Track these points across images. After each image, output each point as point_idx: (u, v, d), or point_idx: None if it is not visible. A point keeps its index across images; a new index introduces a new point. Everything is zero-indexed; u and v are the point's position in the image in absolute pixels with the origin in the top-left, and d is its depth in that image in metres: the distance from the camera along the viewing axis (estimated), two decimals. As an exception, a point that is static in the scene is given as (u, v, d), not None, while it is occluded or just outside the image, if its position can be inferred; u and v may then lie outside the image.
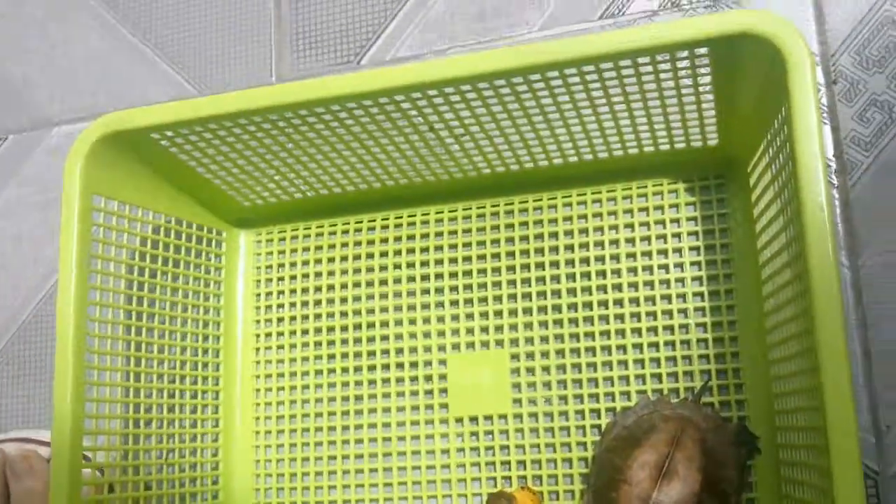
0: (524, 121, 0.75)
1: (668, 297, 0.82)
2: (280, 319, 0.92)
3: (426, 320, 0.88)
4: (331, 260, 0.92)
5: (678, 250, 0.83)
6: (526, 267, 0.86)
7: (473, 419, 0.85)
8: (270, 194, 0.90)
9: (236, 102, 0.72)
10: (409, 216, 0.91)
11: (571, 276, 0.85)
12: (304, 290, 0.92)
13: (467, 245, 0.88)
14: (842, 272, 0.79)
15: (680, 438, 0.73)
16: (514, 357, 0.85)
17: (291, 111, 0.72)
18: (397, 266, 0.90)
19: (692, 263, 0.82)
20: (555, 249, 0.86)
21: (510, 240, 0.87)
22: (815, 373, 0.58)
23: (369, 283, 0.90)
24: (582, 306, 0.84)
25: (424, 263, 0.89)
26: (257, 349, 0.92)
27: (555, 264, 0.86)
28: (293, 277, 0.93)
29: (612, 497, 0.73)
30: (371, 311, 0.89)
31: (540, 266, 0.86)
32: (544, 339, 0.84)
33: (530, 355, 0.84)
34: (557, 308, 0.85)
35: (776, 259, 0.72)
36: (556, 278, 0.85)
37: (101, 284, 0.78)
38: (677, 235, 0.83)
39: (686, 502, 0.71)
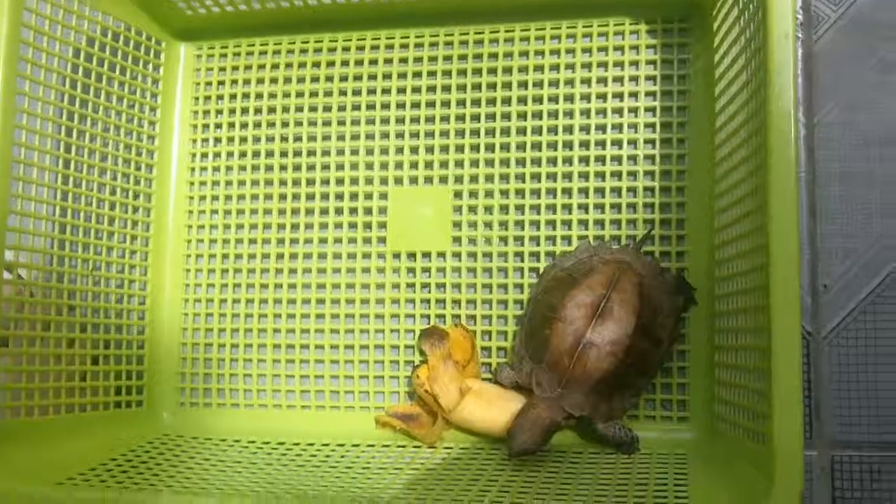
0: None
1: (618, 143, 0.80)
2: (217, 140, 0.89)
3: (369, 151, 0.85)
4: (273, 81, 0.89)
5: (634, 94, 0.81)
6: (476, 102, 0.84)
7: (411, 255, 0.83)
8: (215, 3, 0.85)
9: None
10: (359, 39, 0.87)
11: (522, 115, 0.83)
12: (244, 111, 0.89)
13: (417, 75, 0.85)
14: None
15: (618, 281, 0.73)
16: (457, 194, 0.83)
17: None
18: (343, 92, 0.87)
19: (647, 109, 0.80)
20: (507, 85, 0.83)
21: (462, 72, 0.84)
22: (763, 229, 0.58)
23: (312, 108, 0.87)
24: (531, 147, 0.82)
25: (371, 91, 0.86)
26: (192, 169, 0.89)
27: (506, 101, 0.83)
28: (233, 97, 0.89)
29: (546, 334, 0.73)
30: (312, 138, 0.87)
31: (491, 102, 0.83)
32: (489, 178, 0.83)
33: (473, 193, 0.83)
34: (505, 147, 0.82)
35: (730, 106, 0.71)
36: (506, 115, 0.83)
37: (31, 92, 0.73)
38: (634, 79, 0.81)
39: (619, 343, 0.71)
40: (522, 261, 0.81)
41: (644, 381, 0.74)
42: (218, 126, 0.89)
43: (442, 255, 0.83)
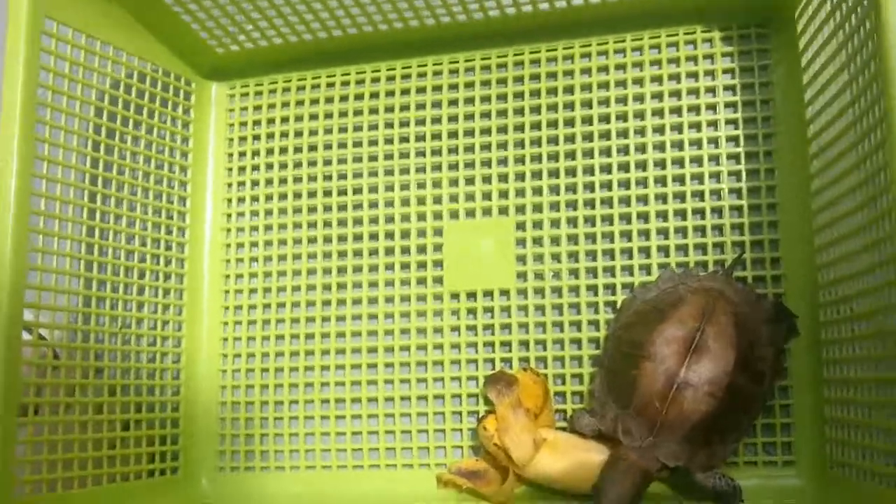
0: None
1: (698, 160, 0.73)
2: (254, 183, 0.83)
3: (420, 184, 0.78)
4: (312, 117, 0.82)
5: (712, 107, 0.73)
6: (536, 125, 0.77)
7: (471, 295, 0.76)
8: (247, 38, 0.80)
9: None
10: (404, 68, 0.81)
11: (588, 136, 0.75)
12: (282, 151, 0.82)
13: (469, 101, 0.79)
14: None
15: (711, 312, 0.64)
16: (520, 226, 0.75)
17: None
18: (388, 124, 0.80)
19: (728, 122, 0.73)
20: (569, 105, 0.76)
21: (518, 95, 0.78)
22: (891, 239, 0.50)
23: (356, 143, 0.80)
24: (599, 169, 0.75)
25: (420, 121, 0.79)
26: (228, 215, 0.83)
27: (569, 122, 0.76)
28: (270, 136, 0.83)
29: (632, 375, 0.64)
30: (357, 175, 0.80)
31: (552, 124, 0.76)
32: (554, 206, 0.75)
33: (538, 224, 0.75)
34: (571, 171, 0.75)
35: (827, 111, 0.63)
36: (570, 138, 0.75)
37: (51, 138, 0.67)
38: (711, 90, 0.74)
39: (718, 382, 0.62)
40: (596, 294, 0.73)
41: (746, 424, 0.65)
42: (255, 168, 0.83)
43: (505, 292, 0.75)
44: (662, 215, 0.72)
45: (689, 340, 0.63)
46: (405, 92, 0.80)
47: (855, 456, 0.60)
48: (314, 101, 0.82)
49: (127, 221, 0.75)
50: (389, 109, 0.80)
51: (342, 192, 0.80)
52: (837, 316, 0.63)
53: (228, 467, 0.79)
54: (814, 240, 0.67)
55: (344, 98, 0.81)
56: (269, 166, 0.82)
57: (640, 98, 0.75)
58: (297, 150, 0.82)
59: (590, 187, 0.74)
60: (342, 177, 0.80)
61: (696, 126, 0.73)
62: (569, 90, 0.76)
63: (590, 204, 0.74)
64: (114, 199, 0.74)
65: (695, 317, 0.64)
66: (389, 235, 0.78)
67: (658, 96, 0.74)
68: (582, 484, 0.66)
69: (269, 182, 0.82)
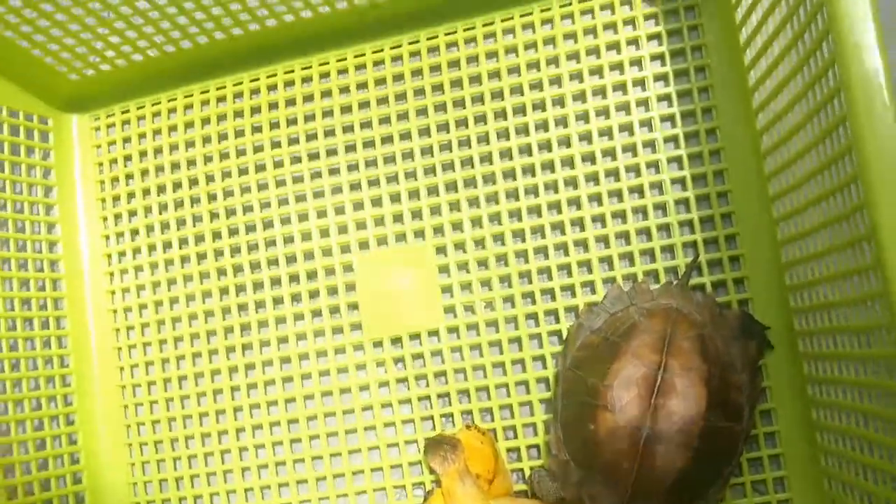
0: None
1: (631, 148, 0.65)
2: (134, 232, 0.74)
3: (321, 213, 0.70)
4: (190, 144, 0.73)
5: (639, 82, 0.66)
6: (444, 127, 0.68)
7: (396, 341, 0.68)
8: (102, 59, 0.71)
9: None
10: (286, 72, 0.72)
11: (504, 133, 0.67)
12: (161, 189, 0.74)
13: (364, 105, 0.70)
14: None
15: (671, 339, 0.56)
16: (440, 250, 0.67)
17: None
18: (276, 144, 0.71)
19: (660, 98, 0.65)
20: (479, 98, 0.68)
21: (419, 92, 0.69)
22: (865, 214, 0.44)
23: (243, 170, 0.72)
24: (521, 172, 0.66)
25: (311, 136, 0.71)
26: (111, 274, 0.74)
27: (481, 118, 0.67)
28: (144, 172, 0.74)
29: (589, 430, 0.57)
30: (249, 208, 0.71)
31: (462, 123, 0.68)
32: (476, 223, 0.67)
33: (460, 245, 0.67)
34: (490, 178, 0.67)
35: (775, 73, 0.55)
36: (483, 138, 0.67)
37: None
38: (637, 62, 0.66)
39: (691, 428, 0.55)
40: (537, 324, 0.65)
41: (729, 469, 0.57)
42: (132, 214, 0.74)
43: (434, 333, 0.67)
44: (599, 219, 0.65)
45: (651, 380, 0.55)
46: (290, 102, 0.71)
47: (860, 475, 0.53)
48: (189, 125, 0.74)
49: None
50: (274, 126, 0.71)
51: (233, 232, 0.72)
52: (817, 326, 0.55)
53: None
54: (777, 232, 0.60)
55: (222, 117, 0.73)
56: (148, 209, 0.74)
57: (557, 81, 0.66)
58: (177, 185, 0.73)
59: (513, 195, 0.66)
60: (231, 212, 0.72)
61: (624, 108, 0.65)
62: (475, 80, 0.68)
63: (515, 215, 0.66)
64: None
65: (654, 348, 0.57)
66: (293, 279, 0.70)
67: (576, 76, 0.66)
68: (549, 561, 0.59)
69: (150, 229, 0.74)
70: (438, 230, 0.67)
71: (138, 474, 0.72)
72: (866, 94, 0.42)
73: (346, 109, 0.70)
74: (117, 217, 0.74)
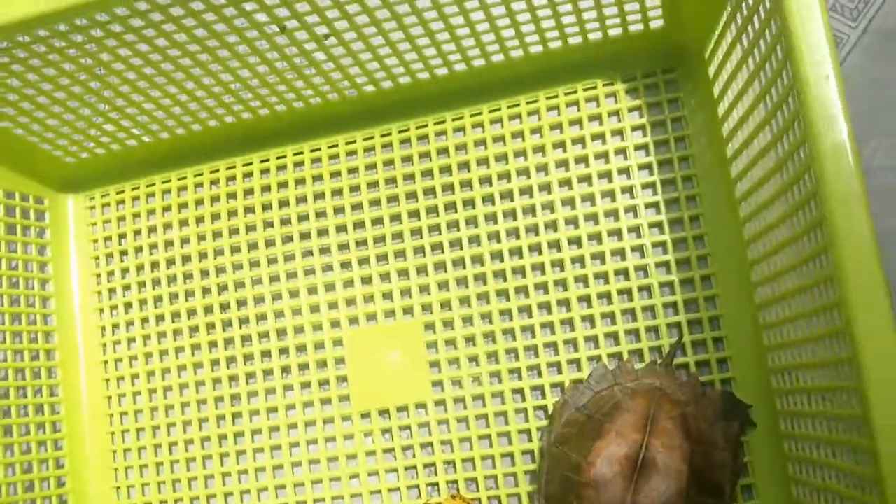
0: (406, 6, 0.59)
1: (617, 233, 0.67)
2: (128, 306, 0.76)
3: (311, 290, 0.72)
4: (183, 223, 0.75)
5: (624, 171, 0.68)
6: (433, 210, 0.71)
7: (384, 413, 0.69)
8: (97, 144, 0.73)
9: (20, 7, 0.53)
10: (278, 157, 0.74)
11: (491, 217, 0.69)
12: (155, 266, 0.75)
13: (355, 189, 0.72)
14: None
15: (654, 419, 0.59)
16: (429, 327, 0.69)
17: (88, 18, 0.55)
18: (268, 224, 0.73)
19: (644, 186, 0.68)
20: (467, 184, 0.70)
21: (409, 177, 0.72)
22: (839, 310, 0.45)
23: (235, 249, 0.74)
24: (509, 254, 0.69)
25: (303, 217, 0.73)
26: (104, 346, 0.76)
27: (469, 203, 0.70)
28: (139, 250, 0.76)
29: (573, 507, 0.58)
30: (240, 285, 0.73)
31: (451, 207, 0.70)
32: (464, 302, 0.69)
33: (448, 323, 0.69)
34: (478, 260, 0.69)
35: (755, 168, 0.58)
36: (472, 221, 0.70)
37: None
38: (622, 152, 0.68)
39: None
40: (523, 399, 0.67)
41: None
42: (126, 289, 0.76)
43: (422, 406, 0.68)
44: (585, 300, 0.67)
45: (633, 458, 0.57)
46: (283, 185, 0.74)
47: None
48: (183, 206, 0.76)
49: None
50: (267, 207, 0.74)
51: (225, 308, 0.73)
52: (798, 408, 0.57)
53: None
54: (759, 317, 0.62)
55: (216, 199, 0.75)
56: (142, 285, 0.75)
57: (543, 169, 0.69)
58: (170, 262, 0.75)
59: (500, 275, 0.68)
60: (223, 289, 0.73)
61: (610, 194, 0.68)
62: (464, 167, 0.71)
63: (502, 295, 0.68)
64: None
65: (636, 427, 0.59)
66: (283, 352, 0.72)
67: (563, 164, 0.69)
68: None
69: (143, 304, 0.75)
70: (427, 308, 0.69)
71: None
72: (844, 204, 0.44)
73: (337, 192, 0.72)
74: (111, 291, 0.76)
